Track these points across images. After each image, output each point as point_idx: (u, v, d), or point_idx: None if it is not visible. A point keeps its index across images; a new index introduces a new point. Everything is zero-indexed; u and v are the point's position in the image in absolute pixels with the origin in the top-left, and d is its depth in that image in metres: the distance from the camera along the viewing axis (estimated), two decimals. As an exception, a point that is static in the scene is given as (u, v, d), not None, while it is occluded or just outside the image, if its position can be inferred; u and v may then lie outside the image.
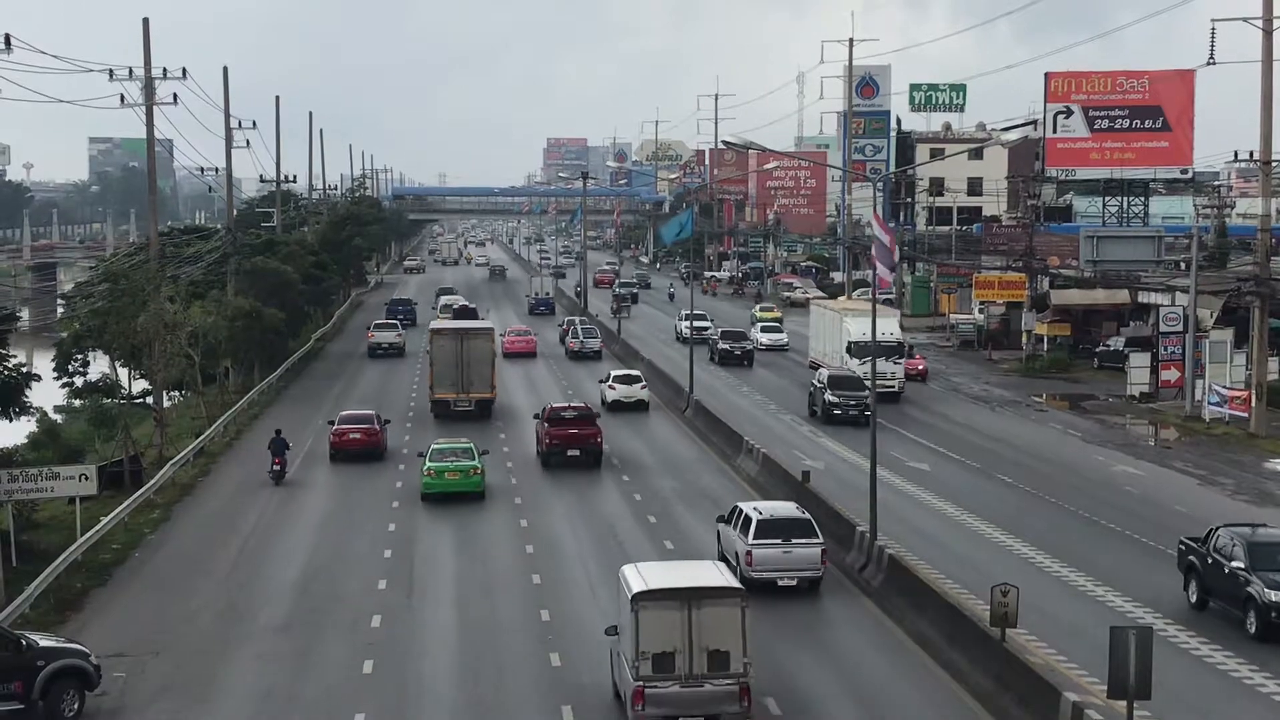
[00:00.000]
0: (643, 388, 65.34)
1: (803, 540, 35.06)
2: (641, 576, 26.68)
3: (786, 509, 36.88)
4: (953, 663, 28.80)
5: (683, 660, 25.35)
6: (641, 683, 25.28)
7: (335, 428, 53.51)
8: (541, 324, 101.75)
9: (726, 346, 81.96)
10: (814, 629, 32.07)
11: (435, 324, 71.02)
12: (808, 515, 36.30)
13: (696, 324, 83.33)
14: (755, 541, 34.82)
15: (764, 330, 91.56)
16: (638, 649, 25.44)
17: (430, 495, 45.70)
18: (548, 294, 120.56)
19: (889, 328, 65.32)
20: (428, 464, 46.09)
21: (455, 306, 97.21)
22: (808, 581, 35.10)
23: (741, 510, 36.42)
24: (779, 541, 34.91)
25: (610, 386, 64.77)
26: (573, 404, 54.79)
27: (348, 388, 71.95)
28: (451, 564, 38.35)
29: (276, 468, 49.07)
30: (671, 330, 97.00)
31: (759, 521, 35.24)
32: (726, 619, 25.54)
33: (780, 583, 34.79)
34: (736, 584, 27.13)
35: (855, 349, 65.35)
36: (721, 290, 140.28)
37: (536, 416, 54.52)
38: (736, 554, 35.35)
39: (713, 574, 27.63)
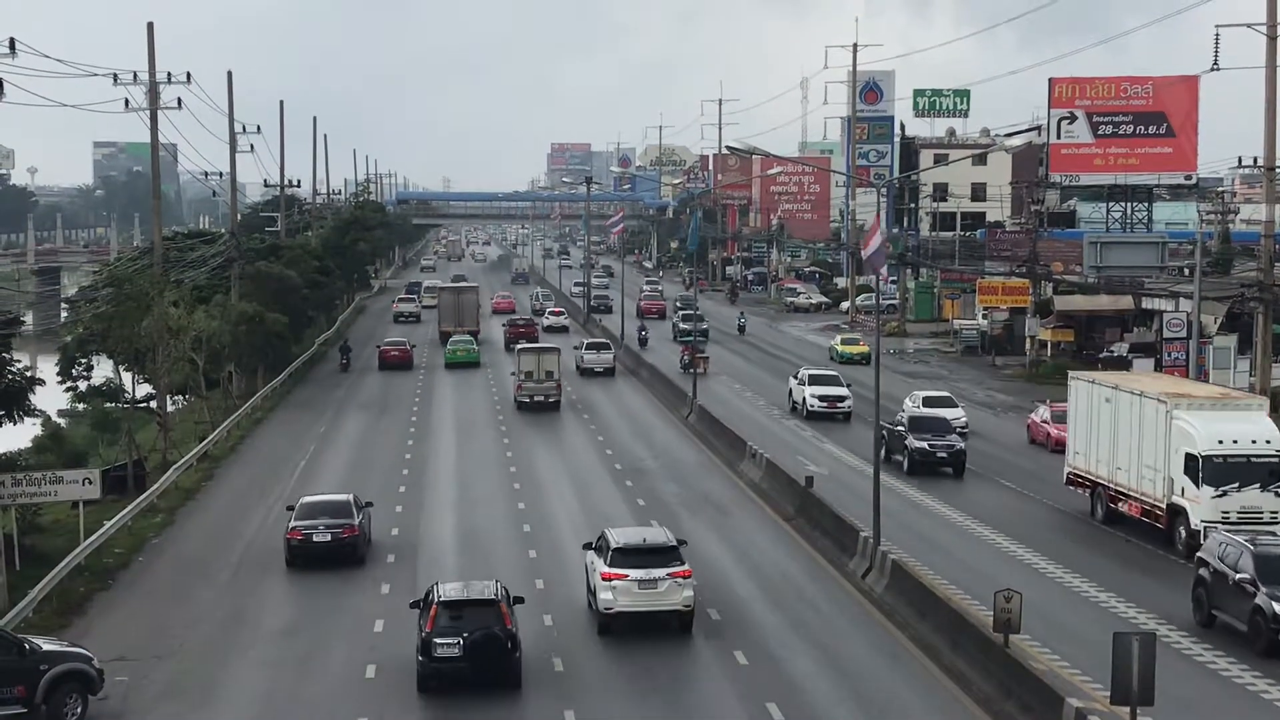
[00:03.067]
0: (565, 316, 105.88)
1: (605, 351, 79.28)
2: (522, 346, 70.08)
3: (600, 340, 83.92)
4: (956, 668, 28.77)
5: (535, 373, 64.92)
6: (519, 381, 65.65)
7: (380, 347, 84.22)
8: (520, 291, 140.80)
9: (924, 445, 50.69)
10: (816, 634, 32.04)
11: (441, 285, 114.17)
12: (609, 340, 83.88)
13: (830, 391, 62.66)
14: (584, 351, 79.41)
15: (926, 403, 58.00)
16: (519, 369, 65.68)
17: (450, 364, 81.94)
18: (524, 270, 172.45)
19: (1263, 432, 39.10)
20: (448, 348, 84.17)
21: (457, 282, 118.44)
22: (609, 370, 77.74)
23: (581, 340, 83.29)
24: (595, 350, 79.25)
25: (545, 316, 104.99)
26: (522, 316, 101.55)
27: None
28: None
29: (344, 362, 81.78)
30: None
31: (587, 344, 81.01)
32: (554, 359, 66.25)
33: (595, 370, 77.46)
34: (558, 346, 71.26)
35: (1211, 471, 38.13)
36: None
37: (504, 325, 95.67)
38: (577, 357, 79.07)
39: (551, 345, 71.96)
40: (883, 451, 46.19)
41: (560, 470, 51.97)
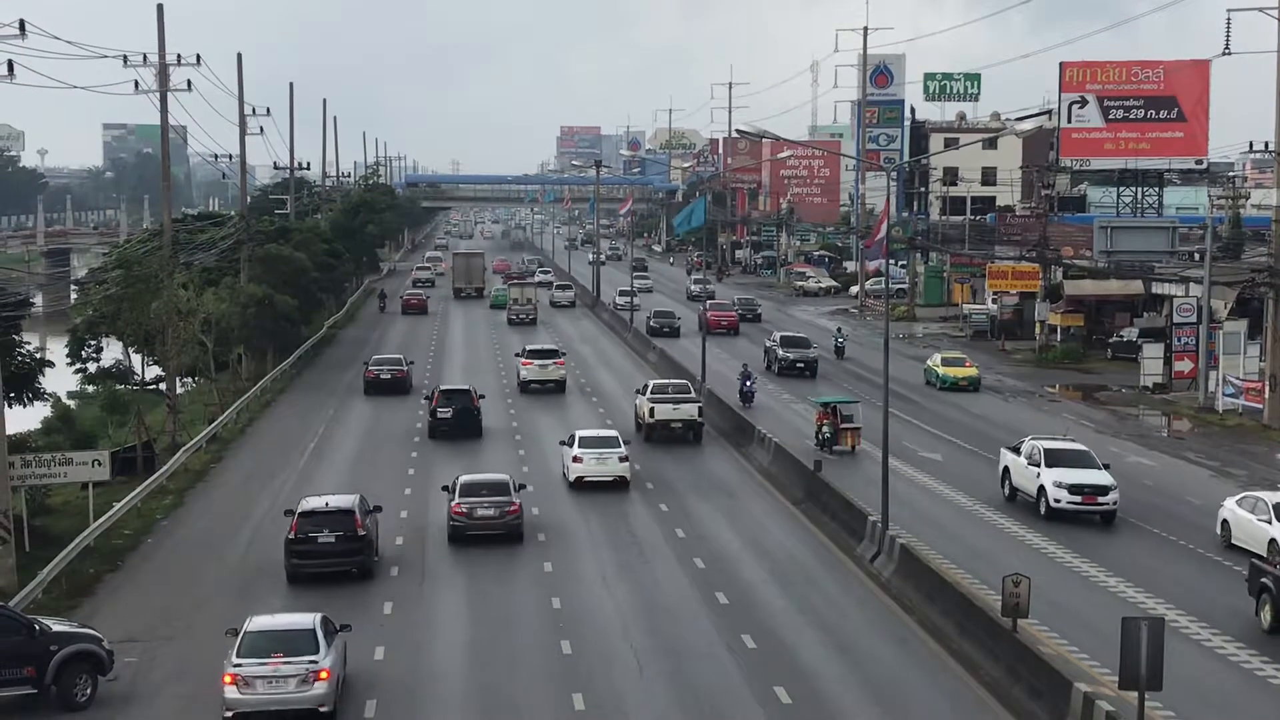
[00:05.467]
0: (550, 274, 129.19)
1: (568, 290, 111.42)
2: (512, 281, 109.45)
3: (564, 281, 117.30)
4: (964, 653, 28.78)
5: (519, 299, 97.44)
6: (509, 304, 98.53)
7: (403, 297, 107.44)
8: (515, 256, 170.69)
9: None
10: (824, 617, 32.07)
11: (454, 250, 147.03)
12: (571, 281, 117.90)
13: (1083, 478, 41.19)
14: (554, 291, 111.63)
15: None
16: (509, 297, 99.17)
17: (495, 305, 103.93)
18: (520, 240, 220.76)
19: None
20: (494, 292, 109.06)
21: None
22: (571, 304, 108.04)
23: (551, 282, 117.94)
24: (561, 290, 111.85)
25: (535, 275, 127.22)
26: (517, 271, 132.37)
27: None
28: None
29: (382, 305, 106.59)
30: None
31: (556, 284, 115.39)
32: (533, 290, 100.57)
33: (561, 304, 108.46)
34: (535, 282, 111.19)
35: None
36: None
37: (503, 278, 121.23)
38: (549, 296, 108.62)
39: (531, 281, 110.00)
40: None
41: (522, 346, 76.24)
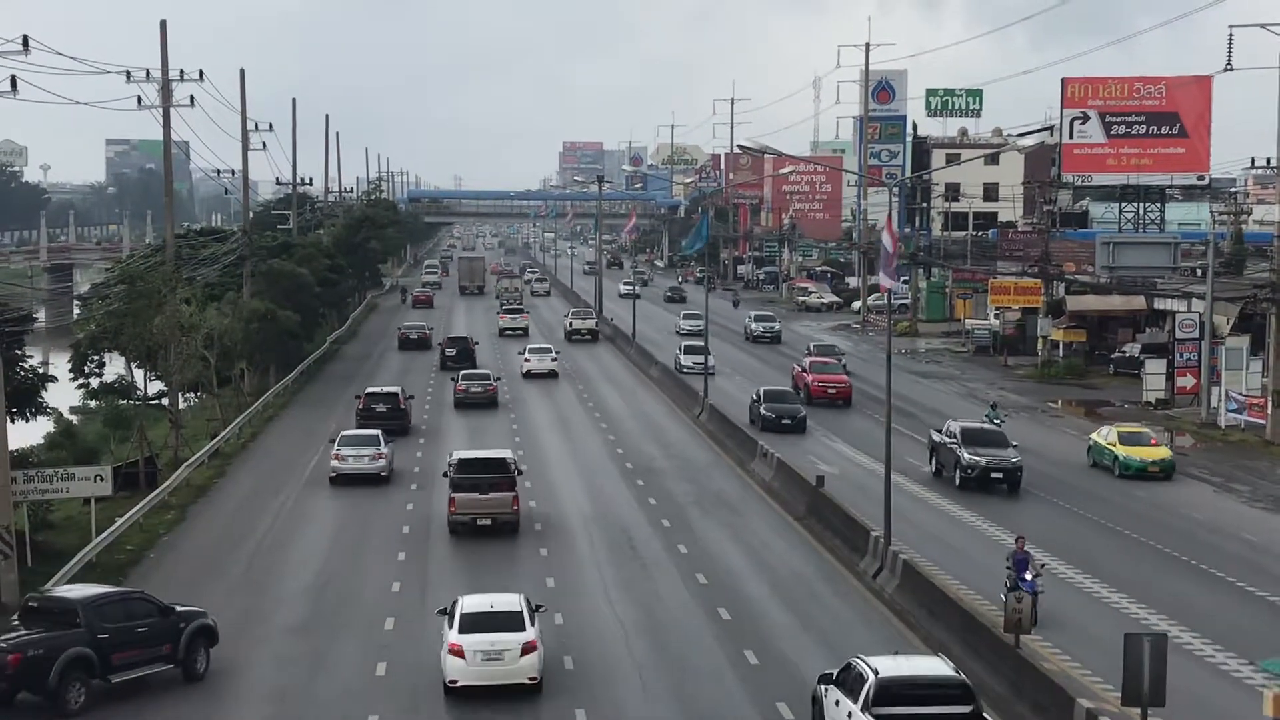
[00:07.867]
0: (539, 272, 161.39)
1: (544, 282, 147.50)
2: (501, 276, 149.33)
3: (541, 275, 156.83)
4: (967, 669, 28.68)
5: (509, 289, 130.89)
6: (499, 292, 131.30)
7: (414, 294, 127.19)
8: (511, 258, 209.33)
9: None
10: (827, 633, 32.04)
11: (458, 254, 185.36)
12: (548, 276, 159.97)
13: None
14: (533, 283, 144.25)
15: None
16: (500, 289, 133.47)
17: (500, 296, 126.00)
18: (515, 247, 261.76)
19: None
20: (497, 287, 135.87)
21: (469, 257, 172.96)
22: (547, 292, 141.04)
23: (530, 276, 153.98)
24: (539, 281, 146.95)
25: (525, 273, 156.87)
26: (509, 271, 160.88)
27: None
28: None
29: (402, 300, 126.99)
30: None
31: (536, 277, 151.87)
32: (519, 283, 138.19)
33: (537, 292, 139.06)
34: (519, 278, 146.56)
35: None
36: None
37: (497, 276, 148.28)
38: (528, 287, 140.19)
39: (516, 278, 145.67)
40: None
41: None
